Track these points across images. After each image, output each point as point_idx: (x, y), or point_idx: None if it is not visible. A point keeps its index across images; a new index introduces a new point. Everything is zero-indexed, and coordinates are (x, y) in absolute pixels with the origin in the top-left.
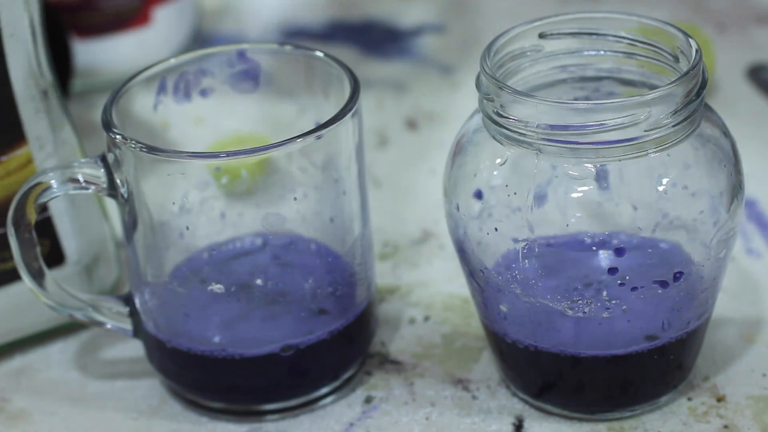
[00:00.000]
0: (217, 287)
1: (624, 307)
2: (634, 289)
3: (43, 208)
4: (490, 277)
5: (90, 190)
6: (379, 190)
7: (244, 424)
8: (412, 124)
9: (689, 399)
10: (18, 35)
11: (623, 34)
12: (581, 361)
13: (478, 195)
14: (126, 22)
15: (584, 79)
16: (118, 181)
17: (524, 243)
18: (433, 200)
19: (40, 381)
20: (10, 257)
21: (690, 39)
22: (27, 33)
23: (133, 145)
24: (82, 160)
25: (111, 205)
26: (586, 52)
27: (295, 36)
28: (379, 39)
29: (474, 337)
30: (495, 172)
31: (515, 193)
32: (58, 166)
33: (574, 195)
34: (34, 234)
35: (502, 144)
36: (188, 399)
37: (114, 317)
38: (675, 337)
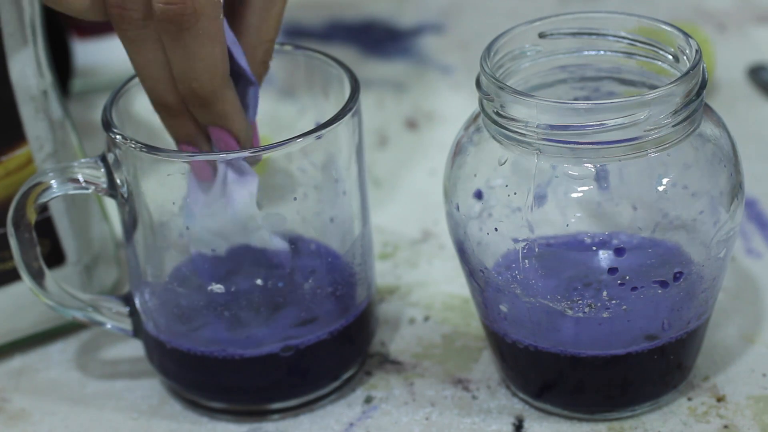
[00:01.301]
0: (217, 287)
1: (624, 307)
2: (634, 289)
3: (43, 208)
4: (490, 277)
5: (90, 190)
6: (379, 190)
7: (244, 424)
8: (412, 124)
9: (689, 399)
10: (18, 35)
11: (623, 34)
12: (581, 361)
13: (478, 195)
14: None
15: (584, 79)
16: (118, 181)
17: (524, 243)
18: (433, 200)
19: (40, 381)
20: (10, 257)
21: (690, 39)
22: (27, 33)
23: (133, 145)
24: (82, 160)
25: (111, 205)
26: (586, 52)
27: (295, 36)
28: (379, 39)
29: (474, 337)
30: (495, 172)
31: (515, 193)
32: (58, 166)
33: (574, 195)
34: (34, 234)
35: (502, 144)
36: (188, 399)
37: (114, 317)
38: (675, 337)
